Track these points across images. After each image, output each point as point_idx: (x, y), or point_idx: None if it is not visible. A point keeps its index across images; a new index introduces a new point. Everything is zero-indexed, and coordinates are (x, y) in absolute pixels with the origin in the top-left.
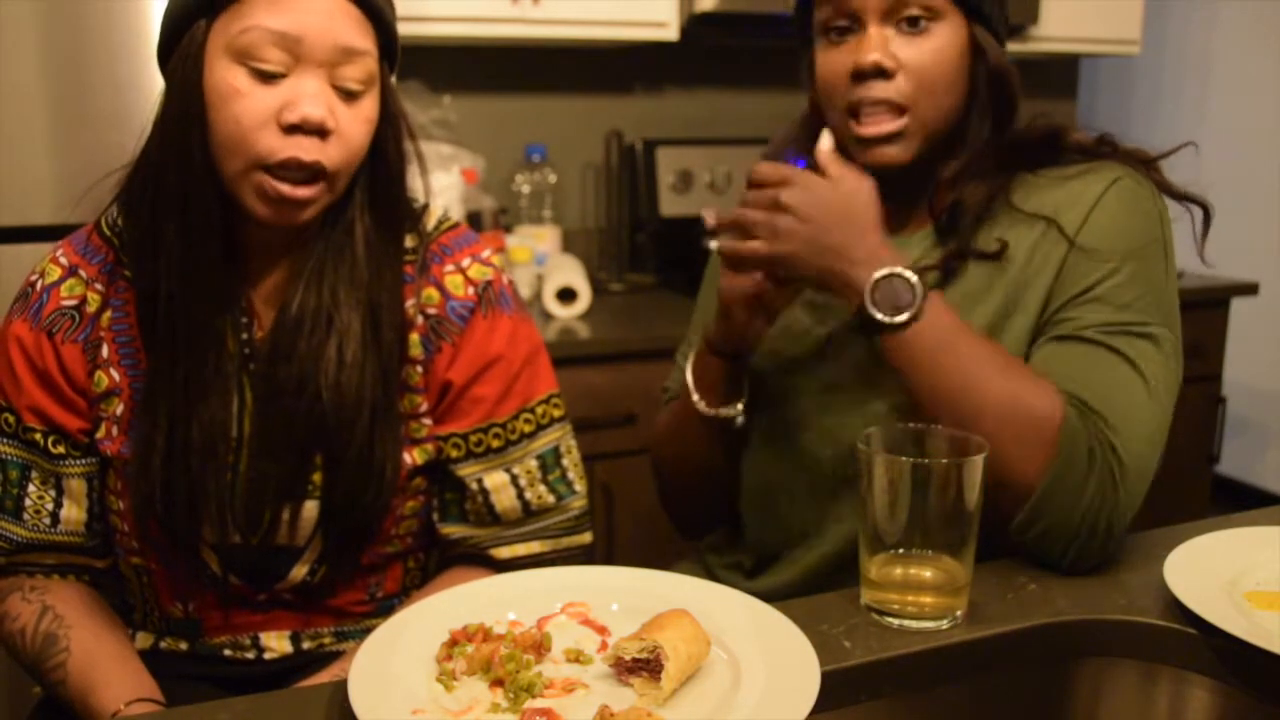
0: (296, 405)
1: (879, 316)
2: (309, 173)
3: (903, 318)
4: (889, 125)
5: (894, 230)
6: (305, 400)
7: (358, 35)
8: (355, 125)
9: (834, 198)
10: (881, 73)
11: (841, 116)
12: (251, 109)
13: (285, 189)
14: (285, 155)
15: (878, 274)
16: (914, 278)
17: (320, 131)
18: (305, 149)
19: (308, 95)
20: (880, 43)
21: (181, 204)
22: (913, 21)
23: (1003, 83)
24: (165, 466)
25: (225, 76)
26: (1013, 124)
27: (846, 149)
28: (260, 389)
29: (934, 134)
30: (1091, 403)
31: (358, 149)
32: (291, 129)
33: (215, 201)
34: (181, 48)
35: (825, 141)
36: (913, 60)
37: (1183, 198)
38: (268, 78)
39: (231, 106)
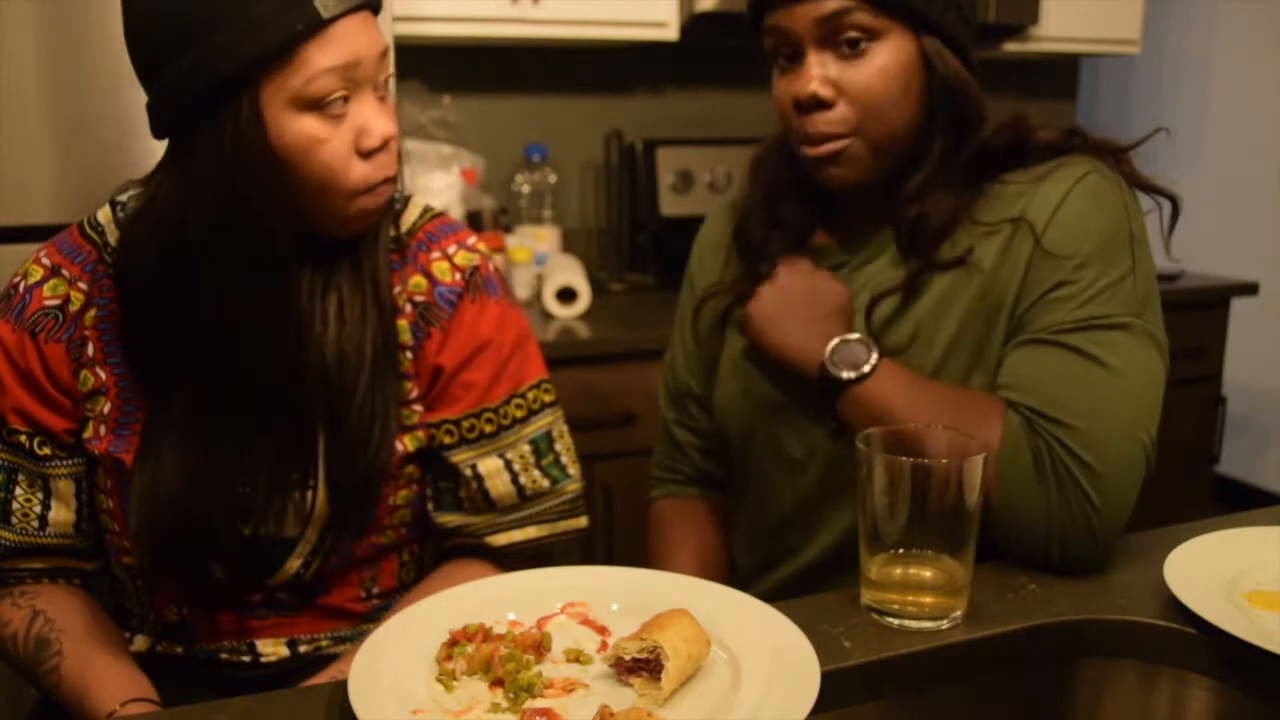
0: (298, 365)
1: (838, 373)
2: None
3: (865, 369)
4: (831, 146)
5: (857, 242)
6: (306, 360)
7: (381, 35)
8: (395, 122)
9: (799, 290)
10: (821, 103)
11: (795, 142)
12: (337, 150)
13: (380, 200)
14: (378, 179)
15: (835, 340)
16: (868, 340)
17: (387, 143)
18: (387, 166)
19: (374, 116)
20: (818, 72)
21: (257, 260)
22: (851, 44)
23: (960, 94)
24: (176, 495)
25: (301, 130)
26: (978, 133)
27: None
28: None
29: (887, 151)
30: (1045, 409)
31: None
32: (371, 153)
33: (291, 245)
34: (226, 117)
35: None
36: (853, 84)
37: (1151, 189)
38: (338, 114)
39: (319, 155)
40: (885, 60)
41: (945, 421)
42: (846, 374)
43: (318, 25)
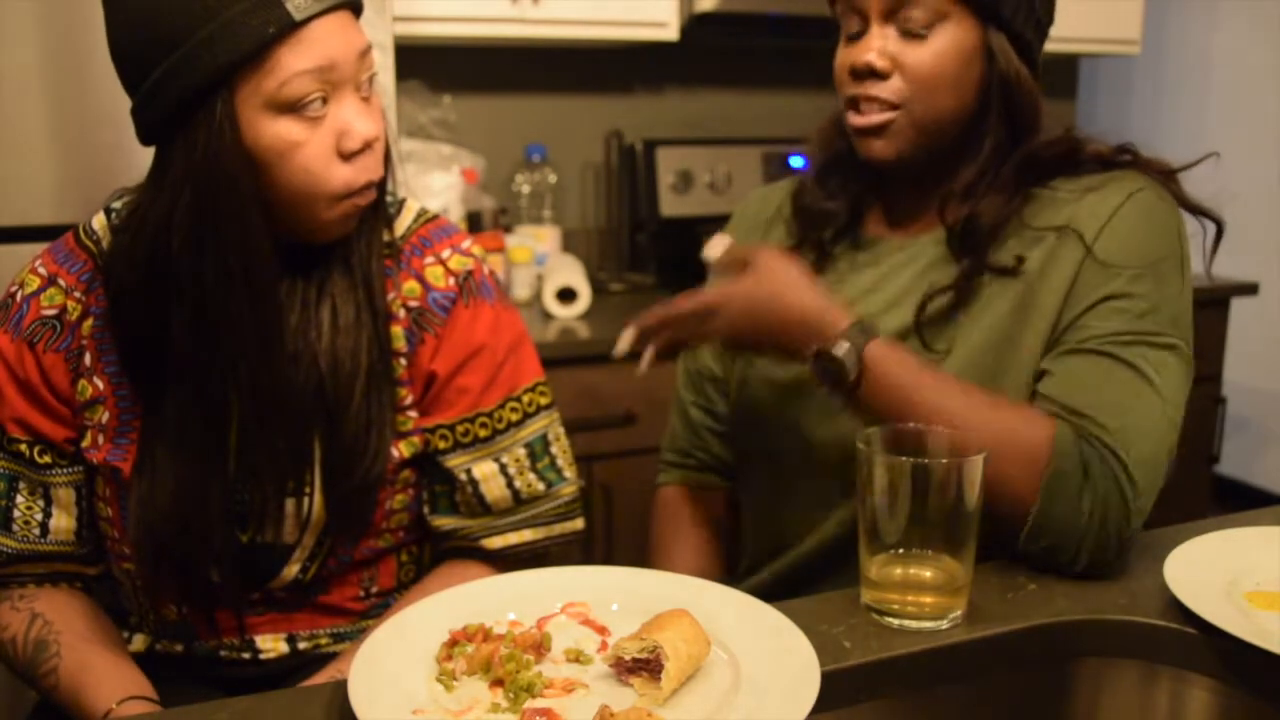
0: (294, 374)
1: (828, 390)
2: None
3: (850, 381)
4: (876, 117)
5: (901, 229)
6: (302, 368)
7: (361, 34)
8: (382, 121)
9: (756, 293)
10: (876, 73)
11: (844, 107)
12: (316, 153)
13: (362, 202)
14: (360, 183)
15: (852, 319)
16: (841, 350)
17: (371, 144)
18: (370, 169)
19: (355, 117)
20: (879, 44)
21: (237, 267)
22: (914, 22)
23: (1017, 92)
24: (173, 504)
25: (277, 133)
26: (1034, 136)
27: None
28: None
29: (932, 133)
30: (1098, 417)
31: (384, 138)
32: (352, 155)
33: (273, 251)
34: (201, 122)
35: (715, 248)
36: (911, 62)
37: (1199, 212)
38: (316, 116)
39: (296, 158)
40: (945, 43)
41: (986, 412)
42: (837, 384)
43: (290, 27)
